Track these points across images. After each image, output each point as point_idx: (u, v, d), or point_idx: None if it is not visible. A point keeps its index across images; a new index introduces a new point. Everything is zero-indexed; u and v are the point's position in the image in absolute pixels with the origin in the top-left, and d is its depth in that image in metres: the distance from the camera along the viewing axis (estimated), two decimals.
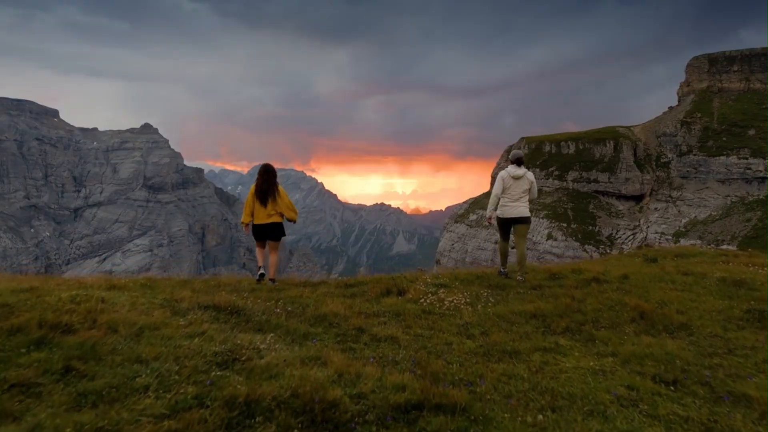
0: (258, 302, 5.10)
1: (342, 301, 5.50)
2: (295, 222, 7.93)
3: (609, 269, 7.61)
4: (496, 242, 68.50)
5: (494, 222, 8.09)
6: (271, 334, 3.89)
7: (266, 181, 7.50)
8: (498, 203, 7.90)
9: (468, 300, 5.58)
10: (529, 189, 7.79)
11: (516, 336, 4.27)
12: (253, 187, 7.63)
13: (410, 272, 7.91)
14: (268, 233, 7.67)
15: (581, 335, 4.33)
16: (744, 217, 59.88)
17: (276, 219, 7.59)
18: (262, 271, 7.38)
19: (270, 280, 7.57)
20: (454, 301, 5.46)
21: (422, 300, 5.54)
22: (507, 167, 7.96)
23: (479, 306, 5.39)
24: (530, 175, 7.84)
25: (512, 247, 8.05)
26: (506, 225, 7.90)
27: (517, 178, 7.71)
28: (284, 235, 7.87)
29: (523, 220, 7.78)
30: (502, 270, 7.87)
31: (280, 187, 7.70)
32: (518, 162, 7.84)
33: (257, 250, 7.86)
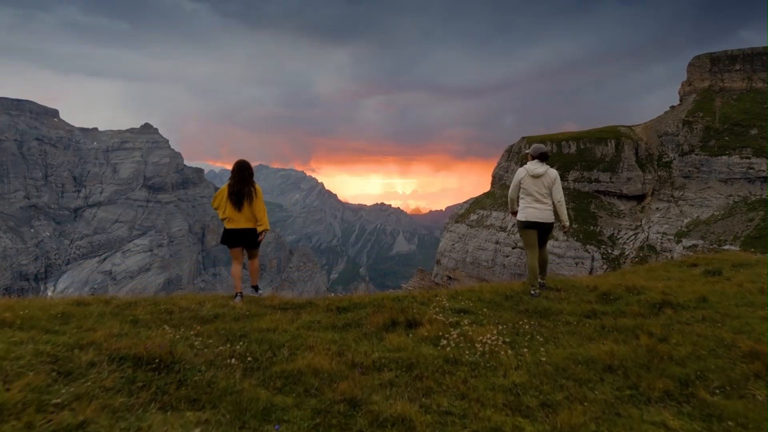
0: (210, 343, 3.70)
1: (329, 338, 4.08)
2: (264, 233, 6.81)
3: (672, 286, 6.13)
4: (497, 242, 67.25)
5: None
6: (208, 414, 2.46)
7: (241, 180, 6.46)
8: (516, 204, 6.97)
9: (506, 338, 4.11)
10: (552, 188, 6.74)
11: (596, 410, 2.77)
12: (225, 187, 6.56)
13: (420, 290, 6.36)
14: (245, 240, 6.60)
15: (693, 406, 2.85)
16: (746, 217, 58.68)
17: (255, 225, 6.60)
18: (238, 297, 6.16)
19: (252, 287, 6.72)
20: (488, 340, 3.96)
21: (442, 338, 4.03)
22: (527, 164, 6.95)
23: (524, 349, 3.90)
24: (553, 172, 6.80)
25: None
26: (531, 229, 6.74)
27: (536, 176, 6.69)
28: (260, 240, 6.79)
29: (545, 227, 6.76)
30: (533, 292, 6.44)
31: (257, 186, 6.62)
32: (541, 157, 6.82)
33: (233, 265, 6.70)
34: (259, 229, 6.60)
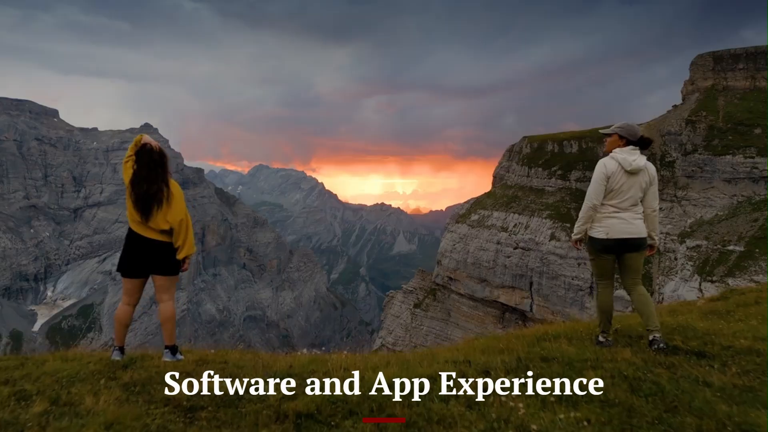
0: None
1: None
2: (188, 259, 4.44)
3: None
4: (498, 243, 66.89)
5: (583, 247, 4.92)
6: None
7: (148, 177, 4.30)
8: (593, 216, 4.71)
9: None
10: (648, 191, 4.64)
11: None
12: (129, 172, 4.41)
13: (452, 356, 4.14)
14: (154, 259, 4.31)
15: None
16: (751, 217, 58.35)
17: (169, 238, 4.39)
18: (116, 355, 4.32)
19: (167, 349, 4.41)
20: None
21: None
22: (613, 152, 4.69)
23: None
24: (651, 167, 4.65)
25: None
26: (611, 252, 4.65)
27: (634, 172, 4.54)
28: (183, 269, 4.45)
29: (638, 244, 4.58)
30: (601, 339, 4.63)
31: (173, 183, 4.49)
32: (641, 144, 4.63)
33: (121, 304, 4.41)
34: (180, 254, 4.34)
